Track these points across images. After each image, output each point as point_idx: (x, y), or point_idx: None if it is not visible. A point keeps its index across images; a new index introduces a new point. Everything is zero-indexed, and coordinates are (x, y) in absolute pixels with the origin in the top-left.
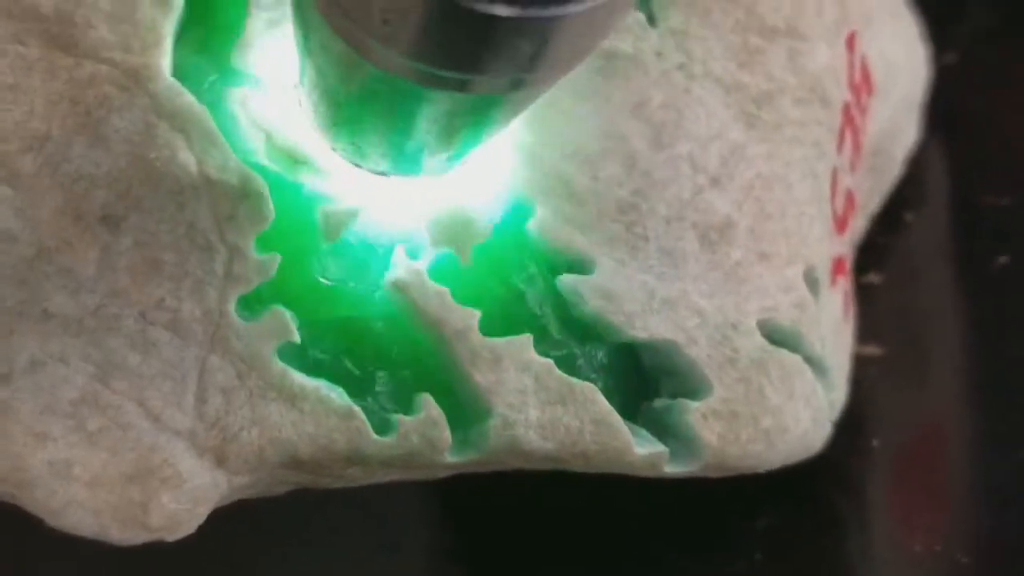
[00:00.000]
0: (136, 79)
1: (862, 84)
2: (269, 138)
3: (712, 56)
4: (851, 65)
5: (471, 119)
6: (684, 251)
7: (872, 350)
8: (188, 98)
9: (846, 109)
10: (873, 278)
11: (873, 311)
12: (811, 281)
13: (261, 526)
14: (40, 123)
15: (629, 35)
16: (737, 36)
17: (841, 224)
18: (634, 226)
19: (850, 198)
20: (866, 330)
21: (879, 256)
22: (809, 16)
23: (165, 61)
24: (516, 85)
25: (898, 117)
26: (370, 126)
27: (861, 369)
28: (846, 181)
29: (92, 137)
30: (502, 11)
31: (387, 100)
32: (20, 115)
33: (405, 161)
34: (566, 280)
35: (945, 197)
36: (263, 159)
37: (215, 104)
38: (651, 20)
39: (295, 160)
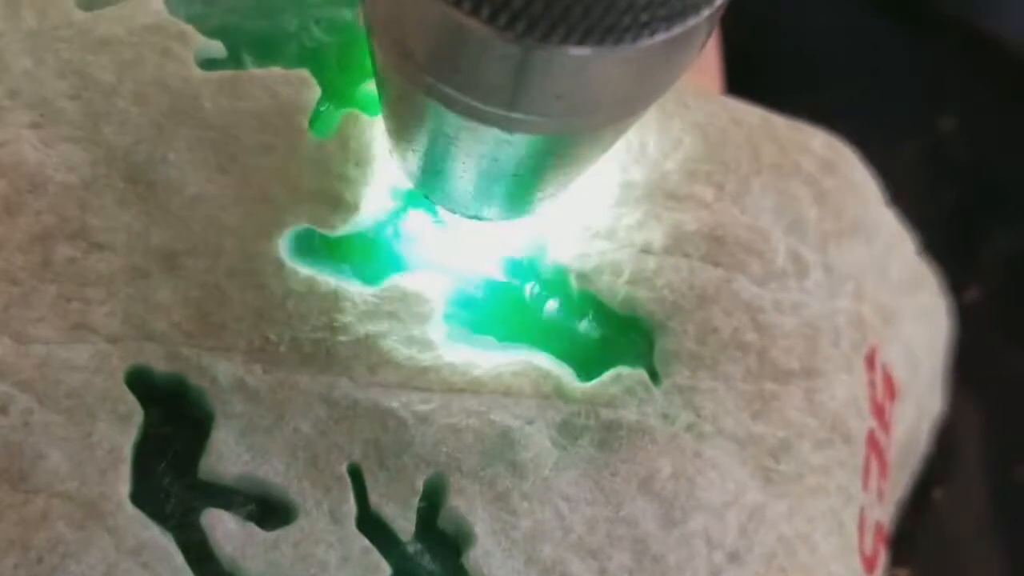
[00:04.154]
0: (94, 514)
1: (885, 397)
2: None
3: (724, 410)
4: (872, 385)
5: (553, 159)
6: None
7: None
8: (153, 531)
9: (870, 437)
10: (901, 573)
11: None
12: None
13: None
14: None
15: (632, 400)
16: (749, 384)
17: (870, 564)
18: None
19: (879, 531)
20: None
21: (908, 547)
22: (825, 349)
23: (124, 487)
24: (596, 124)
25: (924, 401)
26: (453, 171)
27: None
28: (874, 514)
29: None
30: (584, 52)
31: (465, 144)
32: None
33: (493, 205)
34: None
35: (976, 464)
36: None
37: (183, 527)
38: (655, 378)
39: None
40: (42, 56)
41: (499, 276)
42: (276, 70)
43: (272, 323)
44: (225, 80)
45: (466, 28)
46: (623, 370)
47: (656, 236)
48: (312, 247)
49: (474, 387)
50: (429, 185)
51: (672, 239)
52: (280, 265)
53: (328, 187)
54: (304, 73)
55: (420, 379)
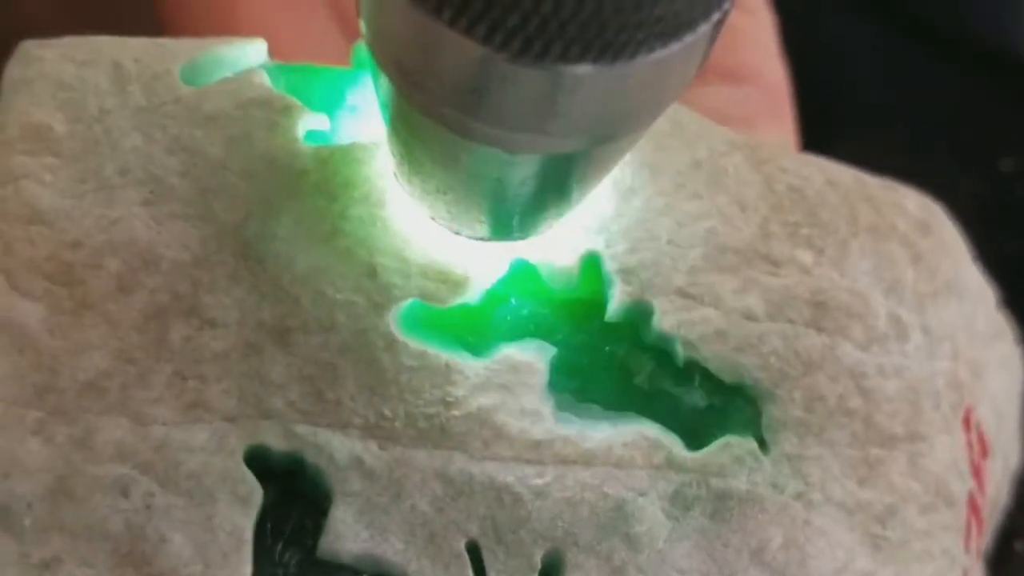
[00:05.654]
0: None
1: (980, 456)
2: None
3: (831, 477)
4: (970, 445)
5: (559, 177)
6: None
7: None
8: None
9: (970, 498)
10: None
11: None
12: None
13: None
14: None
15: (742, 469)
16: (856, 450)
17: None
18: None
19: None
20: None
21: None
22: (927, 412)
23: (247, 569)
24: (598, 141)
25: (1007, 453)
26: (460, 193)
27: None
28: (975, 574)
29: None
30: (583, 70)
31: (471, 166)
32: None
33: (500, 225)
34: None
35: None
36: None
37: None
38: (763, 446)
39: None
40: (151, 133)
41: (603, 344)
42: (379, 142)
43: (386, 399)
44: (330, 153)
45: (464, 49)
46: (732, 439)
47: (759, 302)
48: (422, 320)
49: (586, 459)
50: (434, 206)
51: (775, 305)
52: (392, 340)
53: (437, 260)
54: None
55: (533, 452)
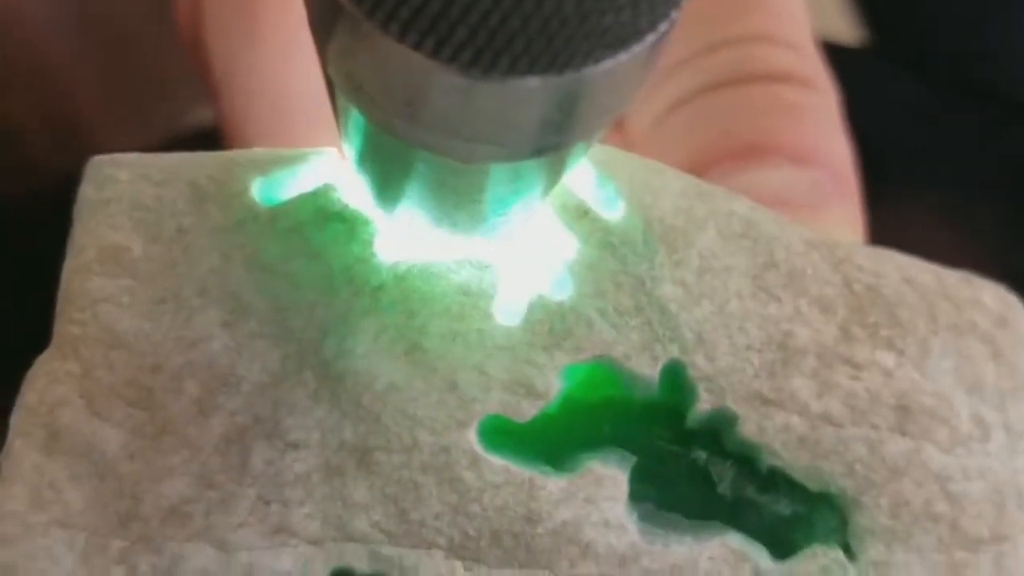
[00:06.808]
0: None
1: None
2: None
3: None
4: None
5: (514, 183)
6: None
7: None
8: None
9: None
10: None
11: None
12: None
13: None
14: None
15: None
16: (941, 555)
17: None
18: None
19: None
20: None
21: None
22: (1011, 512)
23: None
24: (550, 149)
25: None
26: (416, 200)
27: None
28: None
29: None
30: (532, 82)
31: (424, 175)
32: None
33: (461, 228)
34: None
35: None
36: None
37: None
38: (849, 554)
39: None
40: (228, 252)
41: (684, 452)
42: (457, 256)
43: (470, 517)
44: (408, 267)
45: (413, 63)
46: (818, 548)
47: (841, 407)
48: (502, 434)
49: (673, 575)
50: (394, 211)
51: (859, 411)
52: (474, 457)
53: (518, 374)
54: (486, 259)
55: (620, 569)
